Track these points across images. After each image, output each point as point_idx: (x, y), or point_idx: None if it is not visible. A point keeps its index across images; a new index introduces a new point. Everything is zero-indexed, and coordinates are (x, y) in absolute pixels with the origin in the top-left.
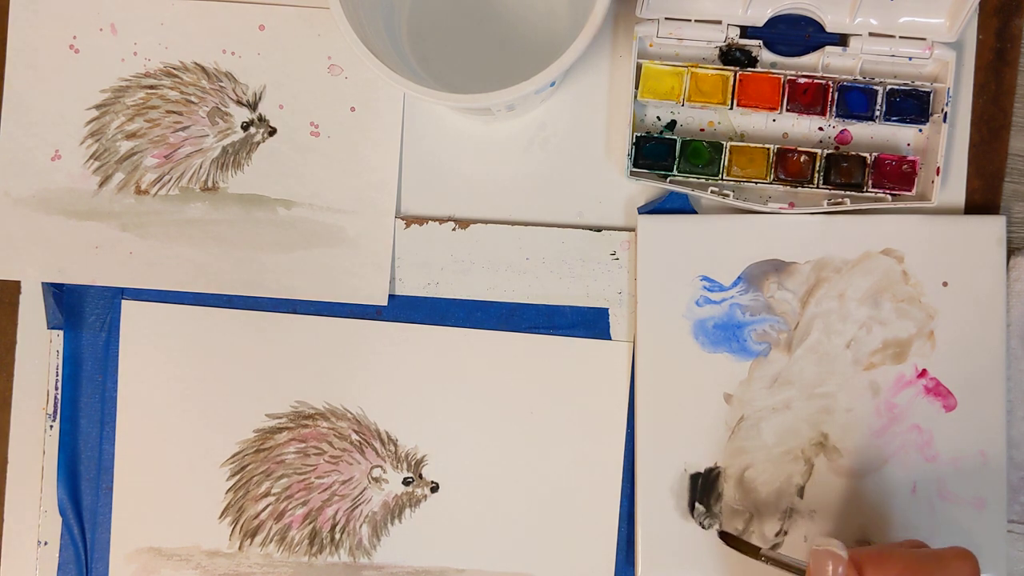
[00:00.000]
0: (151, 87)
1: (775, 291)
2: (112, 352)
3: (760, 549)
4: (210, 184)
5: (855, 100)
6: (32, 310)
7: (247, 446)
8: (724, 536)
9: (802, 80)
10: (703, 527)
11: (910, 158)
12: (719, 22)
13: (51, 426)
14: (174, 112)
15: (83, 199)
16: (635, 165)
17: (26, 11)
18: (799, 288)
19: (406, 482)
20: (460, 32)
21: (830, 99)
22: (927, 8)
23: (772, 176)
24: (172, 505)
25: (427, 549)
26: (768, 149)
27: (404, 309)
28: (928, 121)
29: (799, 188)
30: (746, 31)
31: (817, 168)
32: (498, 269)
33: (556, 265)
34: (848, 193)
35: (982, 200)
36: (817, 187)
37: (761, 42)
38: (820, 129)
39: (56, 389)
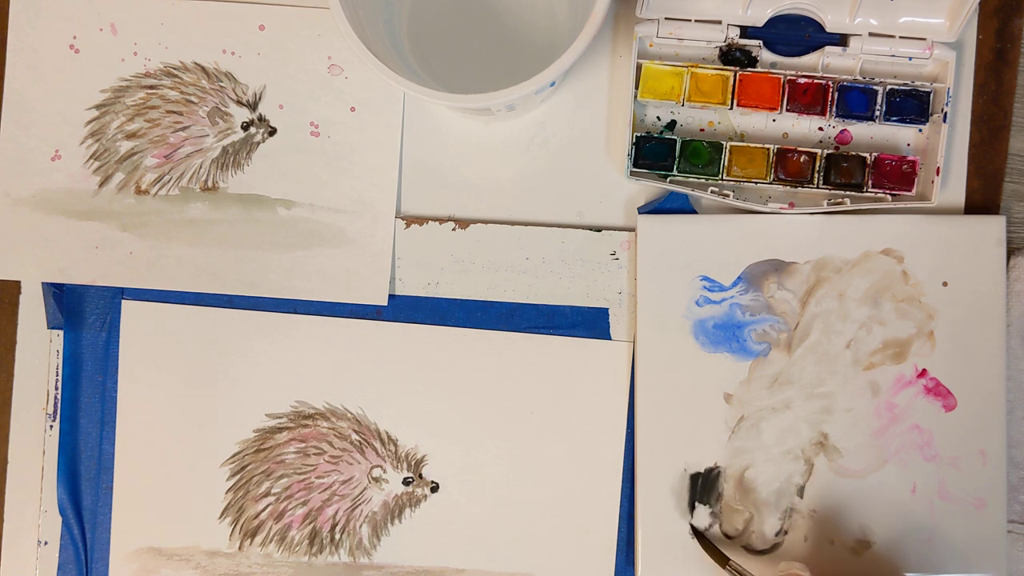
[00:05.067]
0: (151, 87)
1: (775, 291)
2: (112, 352)
3: (729, 560)
4: (210, 184)
5: (855, 100)
6: (32, 310)
7: (247, 446)
8: (697, 535)
9: (802, 80)
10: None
11: (910, 158)
12: (719, 22)
13: (51, 426)
14: (174, 112)
15: (83, 199)
16: (635, 165)
17: (26, 11)
18: (799, 288)
19: (406, 482)
20: (460, 32)
21: (830, 99)
22: (927, 8)
23: (772, 176)
24: (172, 505)
25: (427, 549)
26: (768, 149)
27: (404, 309)
28: (928, 121)
29: (799, 188)
30: (746, 31)
31: (817, 168)
32: (498, 269)
33: (556, 265)
34: (848, 193)
35: (982, 200)
36: (817, 187)
37: (761, 42)
38: (820, 129)
39: (56, 389)
